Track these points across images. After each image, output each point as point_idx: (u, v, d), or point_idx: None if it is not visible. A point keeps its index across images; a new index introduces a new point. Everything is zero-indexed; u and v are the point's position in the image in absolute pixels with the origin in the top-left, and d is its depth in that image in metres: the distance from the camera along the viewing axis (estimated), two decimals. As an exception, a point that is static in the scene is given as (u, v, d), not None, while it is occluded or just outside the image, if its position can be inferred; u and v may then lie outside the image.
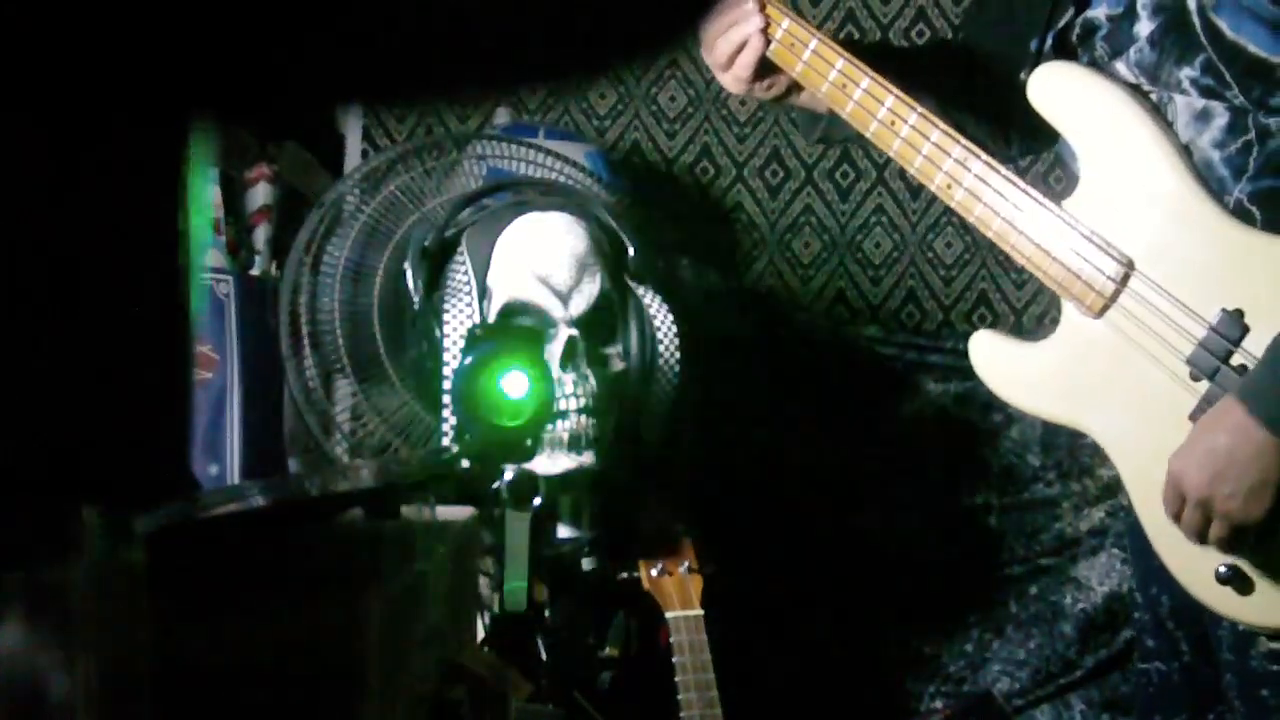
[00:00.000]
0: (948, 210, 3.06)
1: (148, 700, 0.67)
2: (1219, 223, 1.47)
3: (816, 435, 2.69)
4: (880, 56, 1.64)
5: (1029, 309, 3.07)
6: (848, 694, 2.62)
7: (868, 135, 1.60)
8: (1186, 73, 1.51)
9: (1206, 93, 1.50)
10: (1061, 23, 1.62)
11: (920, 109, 1.57)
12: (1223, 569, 1.44)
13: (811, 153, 2.99)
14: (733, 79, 1.64)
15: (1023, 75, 1.58)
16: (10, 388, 0.56)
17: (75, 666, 0.62)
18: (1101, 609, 2.70)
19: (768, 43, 1.60)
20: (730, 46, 1.61)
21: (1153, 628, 1.74)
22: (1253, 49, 1.48)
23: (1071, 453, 2.75)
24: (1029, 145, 1.75)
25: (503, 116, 2.73)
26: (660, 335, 1.88)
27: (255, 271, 2.43)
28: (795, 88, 1.69)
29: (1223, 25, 1.49)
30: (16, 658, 0.61)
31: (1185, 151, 1.50)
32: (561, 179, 2.06)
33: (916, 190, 3.05)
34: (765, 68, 1.63)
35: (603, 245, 1.89)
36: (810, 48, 1.59)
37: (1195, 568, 1.47)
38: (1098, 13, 1.59)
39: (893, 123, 1.57)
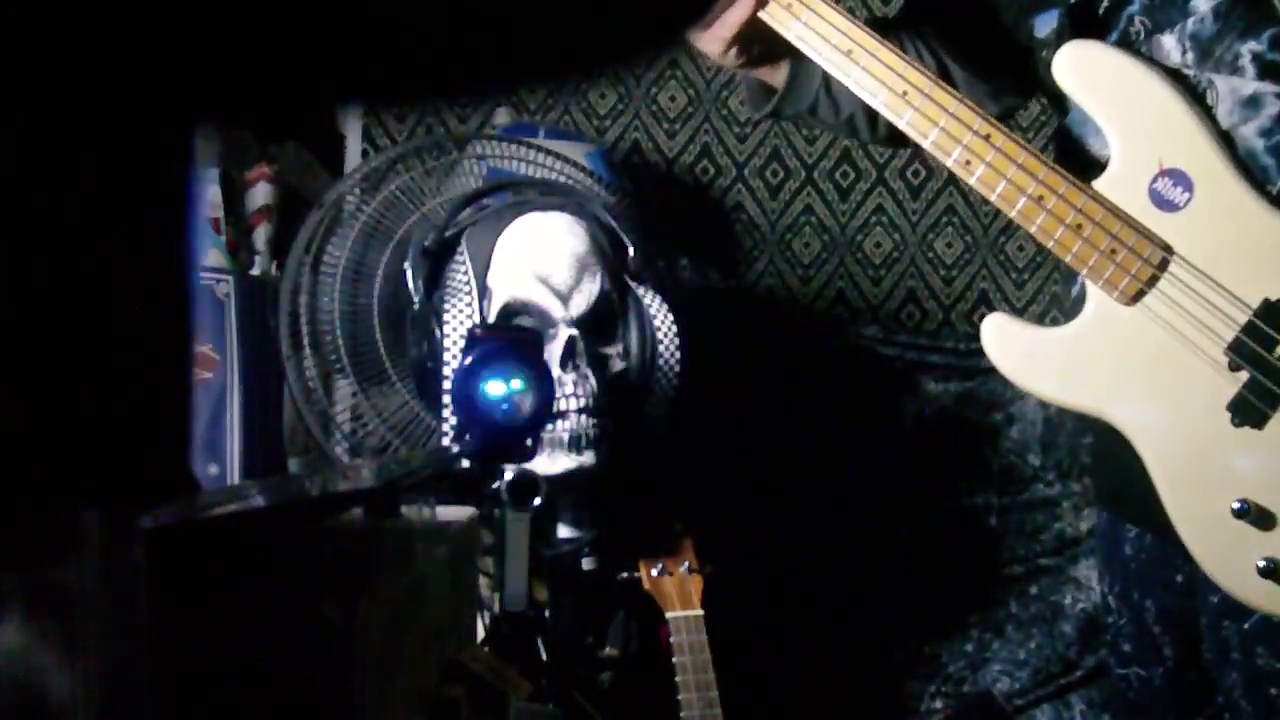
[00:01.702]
0: (948, 210, 3.09)
1: (148, 700, 0.67)
2: (1262, 211, 1.44)
3: (816, 435, 2.70)
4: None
5: (1029, 308, 3.08)
6: (848, 694, 2.62)
7: (875, 105, 1.53)
8: (1250, 46, 1.47)
9: (1266, 71, 1.46)
10: None
11: (935, 79, 1.50)
12: (1263, 563, 1.41)
13: (812, 153, 2.99)
14: (713, 37, 1.56)
15: (1044, 54, 1.54)
16: (11, 388, 0.56)
17: (75, 666, 0.62)
18: (1102, 609, 2.70)
19: (761, 4, 1.55)
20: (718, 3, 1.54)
21: (1132, 632, 1.71)
22: None
23: (1072, 453, 2.75)
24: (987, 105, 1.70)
25: (503, 116, 2.73)
26: (660, 335, 1.88)
27: (255, 271, 2.43)
28: (766, 56, 1.63)
29: None
30: (17, 657, 0.61)
31: (1226, 138, 1.47)
32: (562, 179, 2.06)
33: (917, 190, 3.06)
34: (746, 33, 1.56)
35: (603, 245, 1.88)
36: (811, 8, 1.53)
37: (1233, 563, 1.43)
38: None
39: (905, 93, 1.51)
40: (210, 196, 2.35)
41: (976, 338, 1.57)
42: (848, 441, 2.72)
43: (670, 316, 1.89)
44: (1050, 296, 3.01)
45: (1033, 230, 1.50)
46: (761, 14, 1.54)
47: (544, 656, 1.71)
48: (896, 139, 1.59)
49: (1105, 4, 1.56)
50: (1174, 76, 1.48)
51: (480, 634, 1.64)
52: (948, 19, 1.71)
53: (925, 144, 1.51)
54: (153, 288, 0.62)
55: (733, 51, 1.59)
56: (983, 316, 1.58)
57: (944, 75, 1.64)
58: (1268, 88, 1.46)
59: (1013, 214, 1.50)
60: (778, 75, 1.67)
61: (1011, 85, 1.71)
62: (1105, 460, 1.55)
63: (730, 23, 1.54)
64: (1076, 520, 2.76)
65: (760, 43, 1.60)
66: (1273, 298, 1.42)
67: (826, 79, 1.61)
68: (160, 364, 0.65)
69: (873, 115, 1.63)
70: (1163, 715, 1.70)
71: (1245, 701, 1.57)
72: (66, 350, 0.58)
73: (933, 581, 2.70)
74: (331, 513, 1.14)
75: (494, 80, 0.68)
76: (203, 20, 0.53)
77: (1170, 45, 1.50)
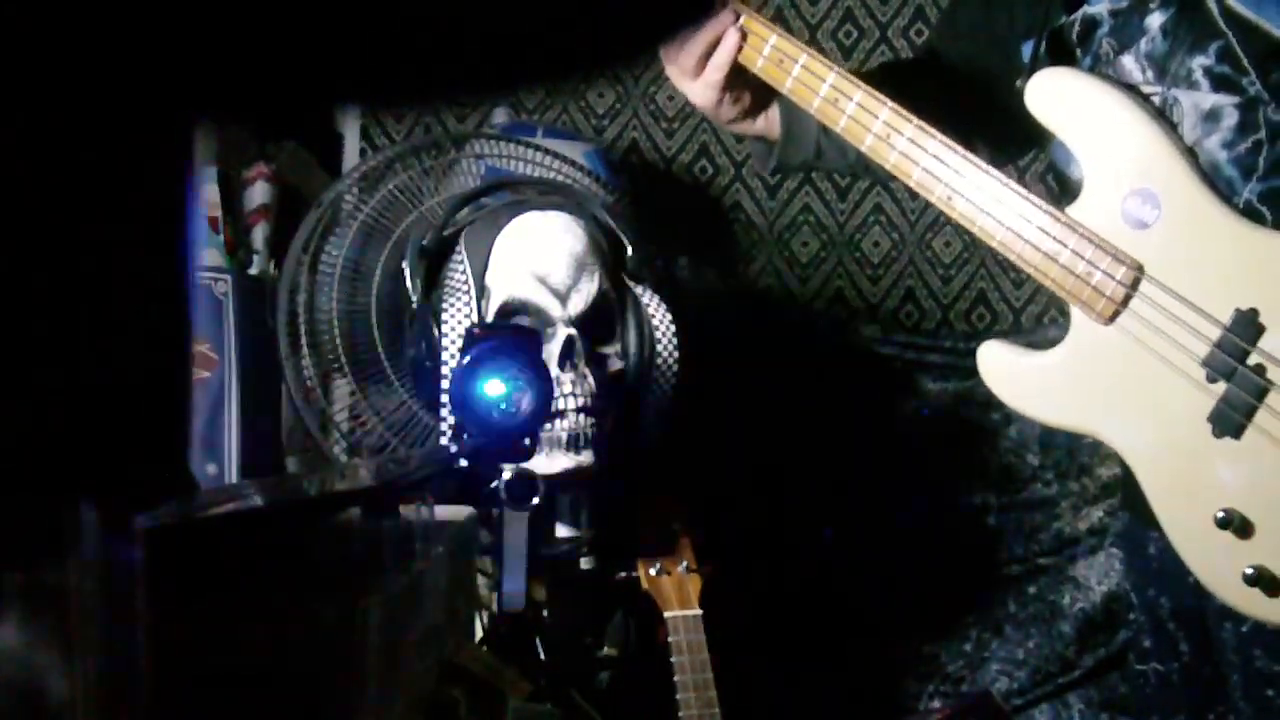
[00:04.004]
0: (946, 210, 3.09)
1: (147, 700, 0.67)
2: (1229, 223, 1.46)
3: (815, 434, 2.69)
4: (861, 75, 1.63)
5: (1027, 308, 3.08)
6: (847, 694, 2.62)
7: (864, 149, 1.58)
8: (1200, 61, 1.49)
9: (1219, 83, 1.49)
10: (1058, 23, 1.61)
11: (916, 120, 1.56)
12: (1249, 570, 1.42)
13: (810, 152, 2.99)
14: (704, 86, 1.61)
15: (1019, 83, 1.57)
16: (9, 387, 0.56)
17: (74, 666, 0.62)
18: (1100, 608, 2.70)
19: (742, 40, 1.58)
20: (702, 46, 1.58)
21: (1151, 628, 1.73)
22: (1277, 33, 1.47)
23: (1070, 452, 2.75)
24: (996, 155, 1.73)
25: (501, 116, 2.73)
26: (658, 334, 1.88)
27: (253, 271, 2.43)
28: (756, 108, 1.69)
29: (1241, 8, 1.48)
30: (16, 658, 0.61)
31: (1191, 153, 1.49)
32: (560, 178, 2.06)
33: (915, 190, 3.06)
34: (735, 79, 1.62)
35: (601, 244, 1.88)
36: (800, 63, 1.58)
37: (1221, 570, 1.46)
38: (1099, 8, 1.58)
39: (888, 136, 1.56)
40: (208, 195, 2.35)
41: (974, 337, 1.60)
42: (845, 441, 2.71)
43: (668, 316, 1.89)
44: (1050, 295, 3.01)
45: (1013, 259, 1.54)
46: (755, 70, 1.60)
47: (542, 656, 1.71)
48: None
49: (1078, 29, 1.59)
50: (1140, 96, 1.51)
51: (479, 634, 1.64)
52: (962, 82, 1.74)
53: (910, 183, 1.57)
54: (151, 287, 0.62)
55: (727, 99, 1.63)
56: (981, 316, 1.60)
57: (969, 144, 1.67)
58: (1224, 100, 1.48)
59: (993, 244, 1.56)
60: (773, 128, 1.71)
61: (1029, 135, 1.73)
62: (1127, 466, 1.57)
63: (717, 65, 1.58)
64: (1075, 520, 2.76)
65: (751, 90, 1.64)
66: (1243, 307, 1.43)
67: (823, 124, 1.66)
68: (158, 363, 0.64)
69: None
70: (1178, 711, 1.72)
71: (1244, 703, 1.59)
72: (65, 350, 0.58)
73: (931, 581, 2.70)
74: (330, 512, 1.14)
75: (493, 80, 0.68)
76: (202, 19, 0.53)
77: (1130, 65, 1.54)
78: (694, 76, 1.61)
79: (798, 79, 1.58)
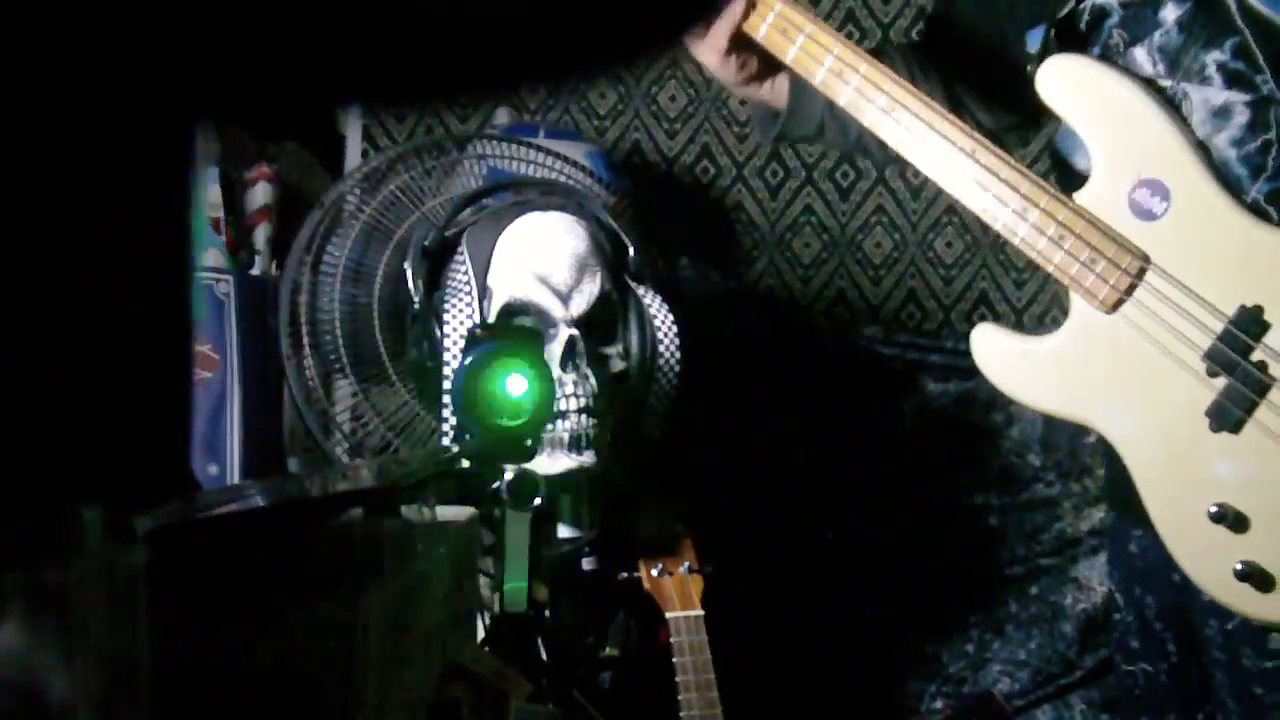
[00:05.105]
0: (949, 210, 3.09)
1: (148, 700, 0.67)
2: (1237, 219, 1.45)
3: (817, 435, 2.69)
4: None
5: (1029, 308, 3.08)
6: (848, 694, 2.62)
7: (866, 125, 1.57)
8: (1214, 56, 1.49)
9: (1232, 80, 1.48)
10: (1064, 11, 1.60)
11: (922, 97, 1.55)
12: (1240, 566, 1.42)
13: (812, 153, 2.99)
14: (708, 49, 1.60)
15: (1029, 69, 1.56)
16: (11, 388, 0.56)
17: (75, 666, 0.62)
18: (1102, 609, 2.70)
19: (750, 6, 1.57)
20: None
21: (1138, 629, 1.72)
22: None
23: (1072, 453, 2.75)
24: (993, 142, 1.72)
25: (503, 116, 2.73)
26: (660, 335, 1.88)
27: (255, 271, 2.43)
28: (763, 74, 1.67)
29: (1260, 6, 1.47)
30: (16, 658, 0.61)
31: (1202, 147, 1.48)
32: (562, 179, 2.06)
33: (917, 190, 3.06)
34: (741, 42, 1.61)
35: (603, 245, 1.88)
36: (805, 33, 1.57)
37: (1211, 566, 1.45)
38: None
39: (892, 110, 1.55)
40: (210, 196, 2.36)
41: (976, 338, 1.59)
42: (847, 441, 2.71)
43: (670, 316, 1.89)
44: (1051, 296, 3.01)
45: (1016, 243, 1.53)
46: (759, 39, 1.59)
47: (544, 657, 1.71)
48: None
49: (1087, 18, 1.58)
50: (1152, 88, 1.50)
51: (480, 634, 1.64)
52: (962, 56, 1.73)
53: (913, 160, 1.54)
54: (153, 287, 0.62)
55: (732, 63, 1.62)
56: (983, 316, 1.60)
57: (957, 110, 1.65)
58: (1236, 96, 1.48)
59: (997, 227, 1.54)
60: (780, 98, 1.70)
61: (1026, 115, 1.73)
62: (1112, 461, 1.56)
63: (719, 34, 1.57)
64: (1077, 520, 2.76)
65: (758, 57, 1.63)
66: (1249, 304, 1.43)
67: (829, 100, 1.64)
68: (160, 363, 0.64)
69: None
70: (1167, 712, 1.71)
71: (1232, 700, 1.58)
72: (66, 350, 0.58)
73: (933, 581, 2.70)
74: (331, 513, 1.14)
75: (495, 80, 0.68)
76: (203, 20, 0.53)
77: (1142, 58, 1.53)
78: (700, 36, 1.60)
79: (802, 49, 1.57)
